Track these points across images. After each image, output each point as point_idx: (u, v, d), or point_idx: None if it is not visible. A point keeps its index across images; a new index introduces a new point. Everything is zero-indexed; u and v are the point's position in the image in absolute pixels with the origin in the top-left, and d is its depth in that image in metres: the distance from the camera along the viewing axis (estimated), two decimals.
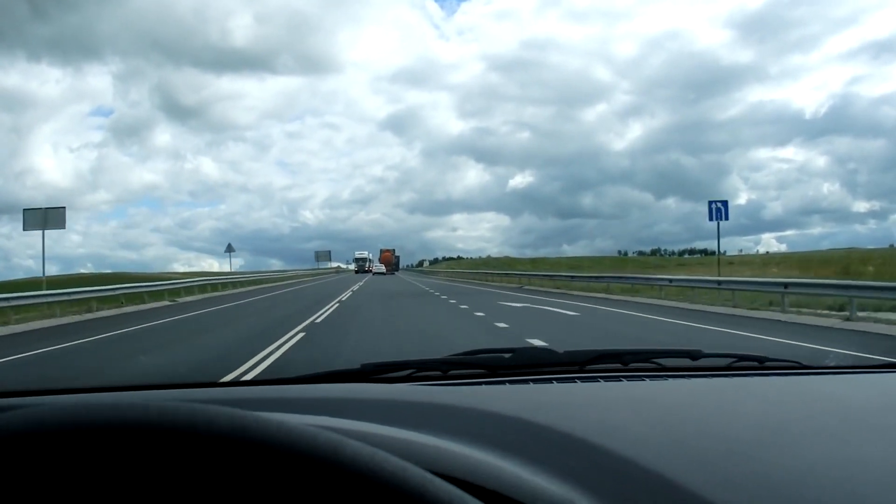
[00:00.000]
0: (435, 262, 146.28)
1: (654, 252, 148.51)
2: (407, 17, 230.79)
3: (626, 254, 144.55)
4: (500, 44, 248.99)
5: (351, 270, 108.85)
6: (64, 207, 23.68)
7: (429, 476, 0.52)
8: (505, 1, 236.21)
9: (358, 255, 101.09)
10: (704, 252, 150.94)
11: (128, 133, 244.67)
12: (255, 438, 0.50)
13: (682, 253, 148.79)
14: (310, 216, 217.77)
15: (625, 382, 1.41)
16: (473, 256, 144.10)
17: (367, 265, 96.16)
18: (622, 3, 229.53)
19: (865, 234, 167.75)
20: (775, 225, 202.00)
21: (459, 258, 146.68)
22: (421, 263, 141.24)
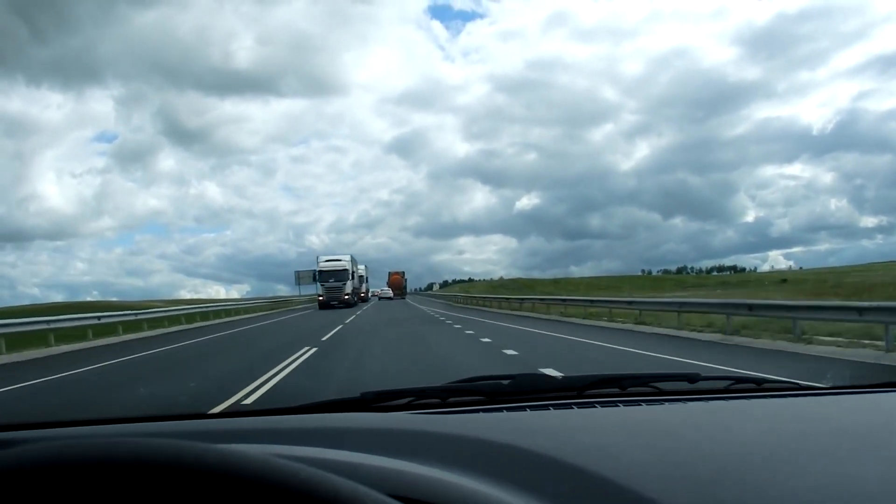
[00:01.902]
0: (445, 284, 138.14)
1: (679, 271, 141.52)
2: (412, 38, 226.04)
3: (649, 272, 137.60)
4: (506, 64, 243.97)
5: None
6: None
7: (387, 500, 0.55)
8: (510, 21, 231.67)
9: (326, 264, 49.51)
10: (734, 269, 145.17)
11: (131, 158, 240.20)
12: (216, 472, 0.53)
13: (709, 271, 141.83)
14: (316, 241, 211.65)
15: (621, 407, 1.40)
16: (481, 279, 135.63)
17: (346, 288, 48.12)
18: (629, 21, 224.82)
19: (873, 249, 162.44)
20: (782, 242, 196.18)
21: (471, 280, 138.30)
22: (430, 287, 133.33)
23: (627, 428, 1.20)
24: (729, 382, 1.61)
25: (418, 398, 1.45)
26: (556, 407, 1.40)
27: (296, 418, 1.29)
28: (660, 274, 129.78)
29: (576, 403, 1.42)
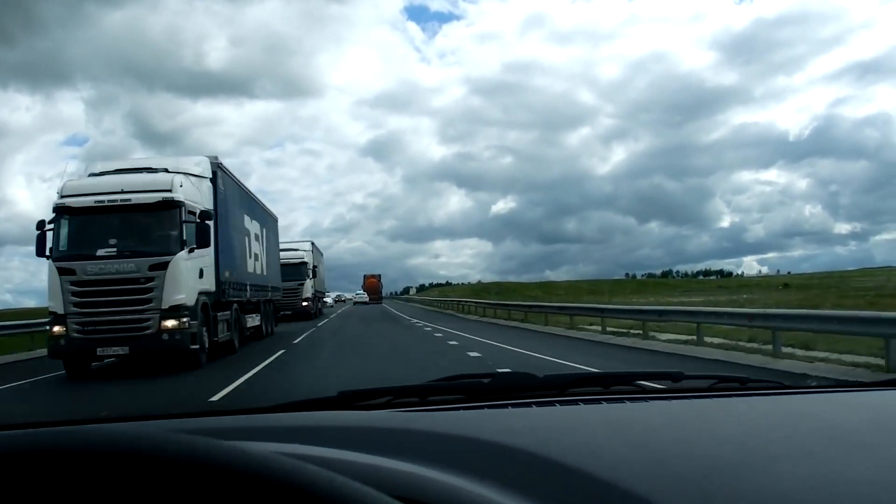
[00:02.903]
0: (422, 288, 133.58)
1: (664, 275, 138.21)
2: (388, 40, 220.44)
3: (633, 276, 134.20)
4: (483, 67, 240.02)
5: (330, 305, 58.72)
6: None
7: (390, 500, 0.55)
8: (487, 22, 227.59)
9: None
10: (721, 273, 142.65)
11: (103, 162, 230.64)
12: (207, 464, 0.52)
13: (695, 275, 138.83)
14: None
15: (605, 405, 1.39)
16: (457, 283, 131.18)
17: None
18: (606, 24, 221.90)
19: (846, 255, 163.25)
20: (757, 248, 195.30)
21: (449, 283, 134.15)
22: (406, 290, 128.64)
23: (611, 425, 1.19)
24: (713, 381, 1.61)
25: (397, 397, 1.43)
26: (539, 405, 1.38)
27: (272, 416, 1.27)
28: (644, 278, 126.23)
29: (558, 401, 1.41)
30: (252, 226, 18.15)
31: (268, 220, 21.14)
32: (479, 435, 0.97)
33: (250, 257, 17.60)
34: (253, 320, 17.49)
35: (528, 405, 1.37)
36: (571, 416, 1.29)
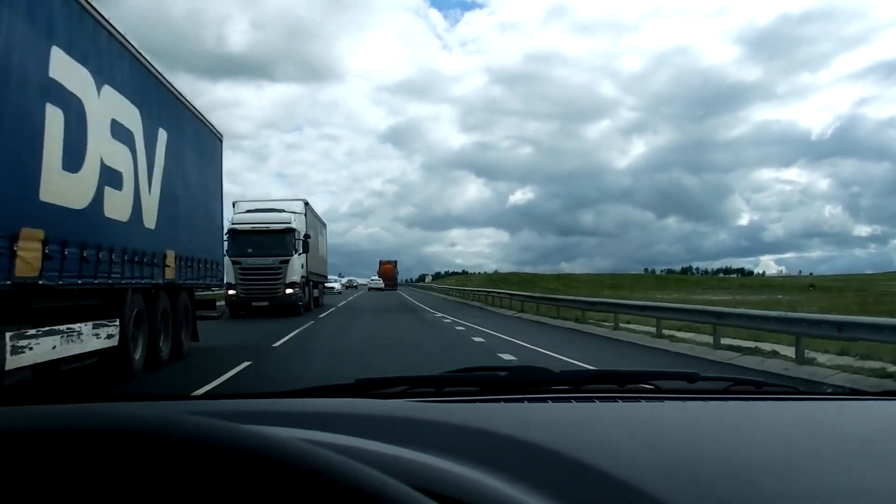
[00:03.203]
0: (438, 276, 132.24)
1: (684, 271, 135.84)
2: (409, 26, 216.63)
3: (653, 272, 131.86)
4: (504, 56, 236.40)
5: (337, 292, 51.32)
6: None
7: (410, 491, 0.55)
8: (509, 12, 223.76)
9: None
10: (742, 272, 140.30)
11: None
12: (228, 448, 0.53)
13: (715, 272, 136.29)
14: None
15: (620, 403, 1.39)
16: (474, 272, 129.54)
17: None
18: (630, 16, 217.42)
19: (865, 258, 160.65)
20: (775, 247, 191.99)
21: (465, 272, 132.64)
22: (422, 278, 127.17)
23: (627, 424, 1.19)
24: (728, 383, 1.60)
25: (413, 386, 1.44)
26: (555, 400, 1.38)
27: (289, 402, 1.27)
28: (663, 273, 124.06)
29: (574, 398, 1.41)
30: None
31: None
32: (494, 428, 0.99)
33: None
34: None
35: (545, 400, 1.38)
36: (587, 413, 1.30)
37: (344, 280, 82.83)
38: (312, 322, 19.71)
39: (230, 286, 21.50)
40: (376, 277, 79.52)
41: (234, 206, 23.82)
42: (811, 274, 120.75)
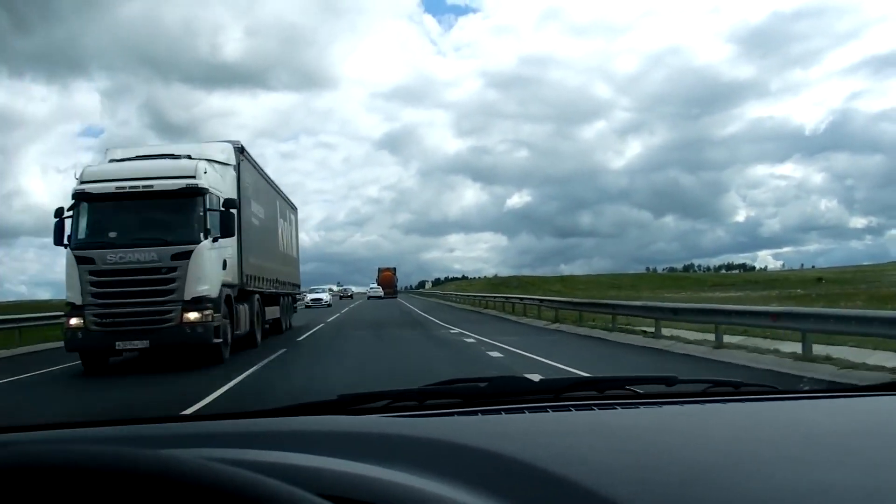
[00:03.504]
0: (438, 282, 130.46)
1: (685, 269, 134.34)
2: (404, 32, 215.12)
3: (654, 270, 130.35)
4: (499, 60, 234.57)
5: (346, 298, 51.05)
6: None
7: (320, 501, 0.58)
8: (503, 15, 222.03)
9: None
10: (743, 267, 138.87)
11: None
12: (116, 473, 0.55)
13: (718, 269, 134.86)
14: (305, 238, 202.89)
15: (596, 411, 1.40)
16: (473, 276, 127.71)
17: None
18: (623, 17, 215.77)
19: (861, 250, 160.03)
20: (772, 242, 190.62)
21: (465, 277, 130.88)
22: (422, 285, 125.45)
23: (601, 432, 1.20)
24: (706, 385, 1.61)
25: (395, 400, 1.45)
26: (532, 410, 1.40)
27: (271, 421, 1.27)
28: (665, 272, 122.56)
29: (551, 407, 1.42)
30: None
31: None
32: (471, 441, 1.00)
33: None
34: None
35: (522, 410, 1.39)
36: (562, 422, 1.30)
37: (336, 289, 79.66)
38: (254, 371, 10.73)
39: (73, 309, 10.93)
40: (375, 285, 77.41)
41: (106, 154, 13.15)
42: (813, 267, 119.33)
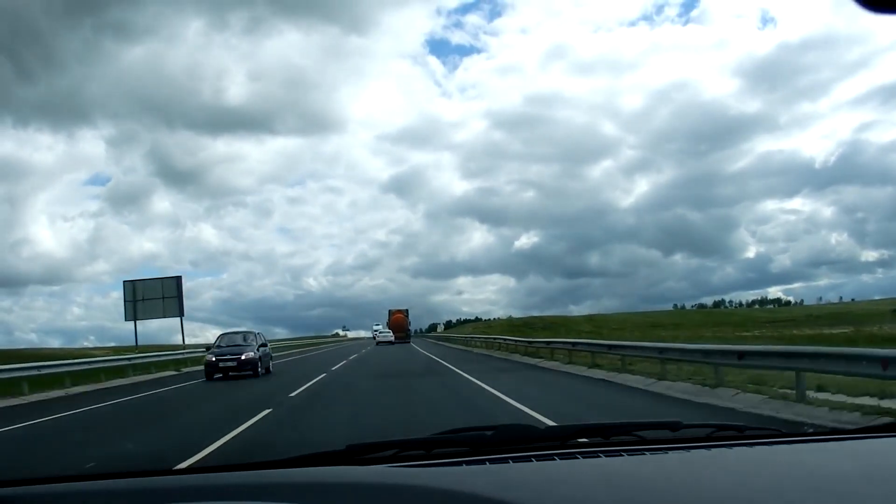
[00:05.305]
0: (449, 325, 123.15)
1: (716, 305, 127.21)
2: (408, 73, 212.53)
3: (682, 307, 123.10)
4: (504, 100, 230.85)
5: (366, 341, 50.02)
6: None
7: None
8: (508, 55, 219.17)
9: None
10: (778, 302, 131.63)
11: (125, 201, 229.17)
12: None
13: (751, 304, 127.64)
14: (313, 283, 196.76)
15: (602, 458, 1.40)
16: (483, 318, 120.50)
17: None
18: (629, 53, 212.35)
19: (872, 283, 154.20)
20: (782, 278, 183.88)
21: (479, 318, 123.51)
22: (433, 328, 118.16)
23: (608, 480, 1.19)
24: (711, 430, 1.59)
25: (403, 449, 1.44)
26: (539, 458, 1.38)
27: (277, 473, 1.25)
28: (694, 309, 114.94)
29: (558, 454, 1.42)
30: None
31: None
32: (478, 491, 0.99)
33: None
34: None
35: (529, 459, 1.38)
36: (569, 471, 1.30)
37: (342, 333, 72.26)
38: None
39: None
40: (383, 327, 69.76)
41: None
42: (849, 299, 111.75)
